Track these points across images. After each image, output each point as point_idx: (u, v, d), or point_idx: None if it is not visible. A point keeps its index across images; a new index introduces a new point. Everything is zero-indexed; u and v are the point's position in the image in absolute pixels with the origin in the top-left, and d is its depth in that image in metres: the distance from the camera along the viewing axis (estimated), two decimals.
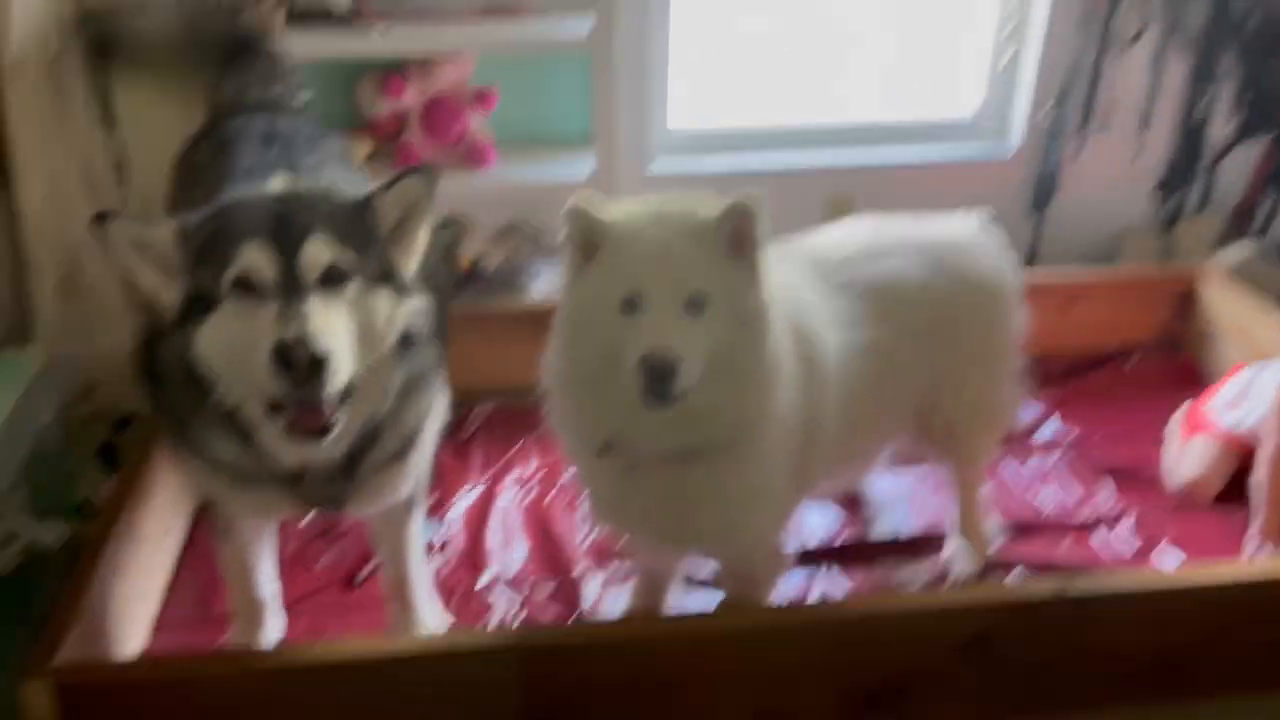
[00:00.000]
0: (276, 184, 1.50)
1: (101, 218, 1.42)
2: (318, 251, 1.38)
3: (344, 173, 1.85)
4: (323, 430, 1.38)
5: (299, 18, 2.48)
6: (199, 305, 1.40)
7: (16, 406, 1.99)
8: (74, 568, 1.76)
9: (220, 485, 1.59)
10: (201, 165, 1.81)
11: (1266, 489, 2.20)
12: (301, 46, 2.37)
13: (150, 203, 2.18)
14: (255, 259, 1.36)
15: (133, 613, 1.88)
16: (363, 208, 1.48)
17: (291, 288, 1.36)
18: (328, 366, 1.32)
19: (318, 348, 1.31)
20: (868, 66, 3.06)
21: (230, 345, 1.38)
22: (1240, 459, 2.34)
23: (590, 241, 1.48)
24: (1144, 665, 1.84)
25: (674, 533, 1.66)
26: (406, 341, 1.50)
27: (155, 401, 1.60)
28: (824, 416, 1.68)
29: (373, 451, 1.55)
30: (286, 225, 1.39)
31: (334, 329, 1.36)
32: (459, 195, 2.75)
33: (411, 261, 1.53)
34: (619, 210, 1.49)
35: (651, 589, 1.96)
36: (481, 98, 2.67)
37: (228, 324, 1.38)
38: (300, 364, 1.30)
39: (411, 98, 2.64)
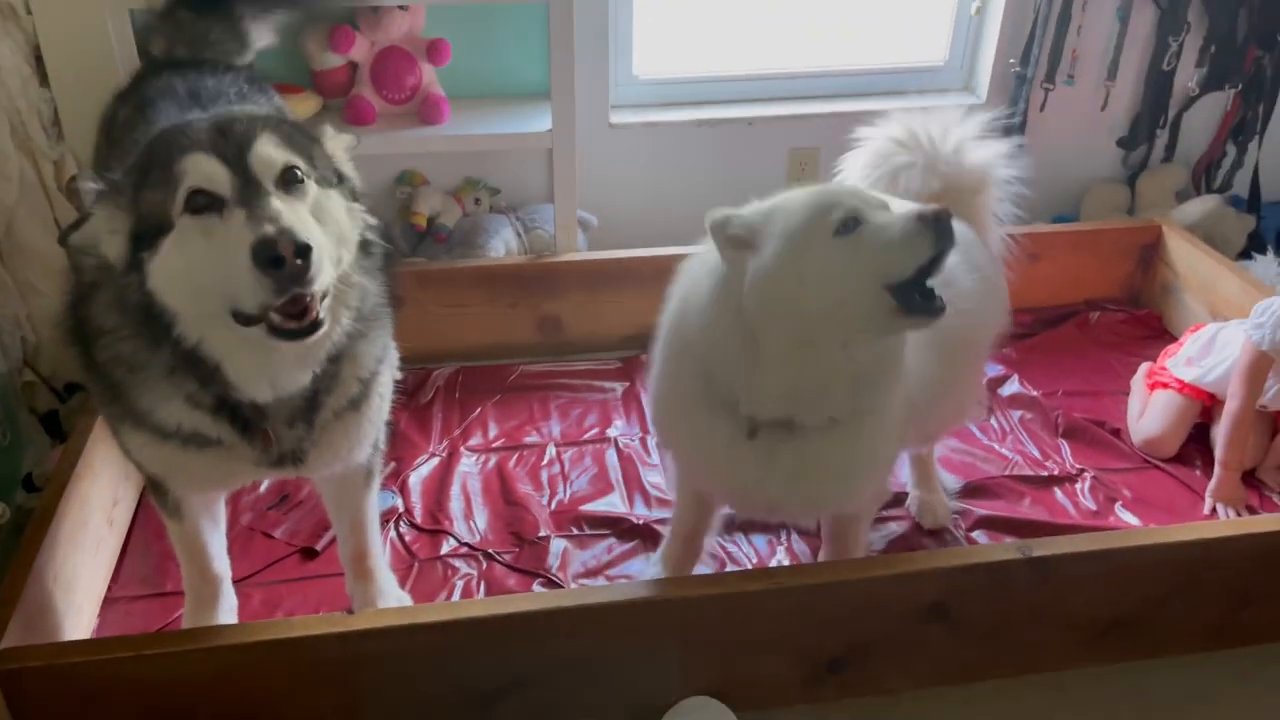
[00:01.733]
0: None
1: (62, 240, 1.36)
2: (270, 152, 1.30)
3: None
4: (313, 325, 1.30)
5: None
6: (148, 236, 1.30)
7: None
8: (18, 545, 1.71)
9: (169, 455, 1.49)
10: (123, 123, 1.73)
11: (1223, 449, 2.22)
12: None
13: (87, 161, 2.11)
14: (206, 169, 1.27)
15: (80, 590, 1.84)
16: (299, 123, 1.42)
17: (252, 191, 1.27)
18: (313, 254, 1.23)
19: (299, 237, 1.22)
20: (835, 13, 2.99)
21: (194, 266, 1.28)
22: (1200, 413, 2.36)
23: (744, 241, 1.47)
24: (1103, 625, 1.86)
25: (796, 497, 1.63)
26: (365, 248, 1.45)
27: (90, 369, 1.48)
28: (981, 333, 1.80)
29: (333, 393, 1.50)
30: (229, 134, 1.31)
31: (303, 218, 1.28)
32: (414, 151, 2.68)
33: (349, 169, 1.48)
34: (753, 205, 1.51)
35: (688, 539, 1.94)
36: (434, 50, 2.58)
37: (187, 245, 1.28)
38: (288, 254, 1.21)
39: (361, 51, 2.55)
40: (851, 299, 1.43)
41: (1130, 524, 2.16)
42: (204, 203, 1.27)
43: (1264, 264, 2.91)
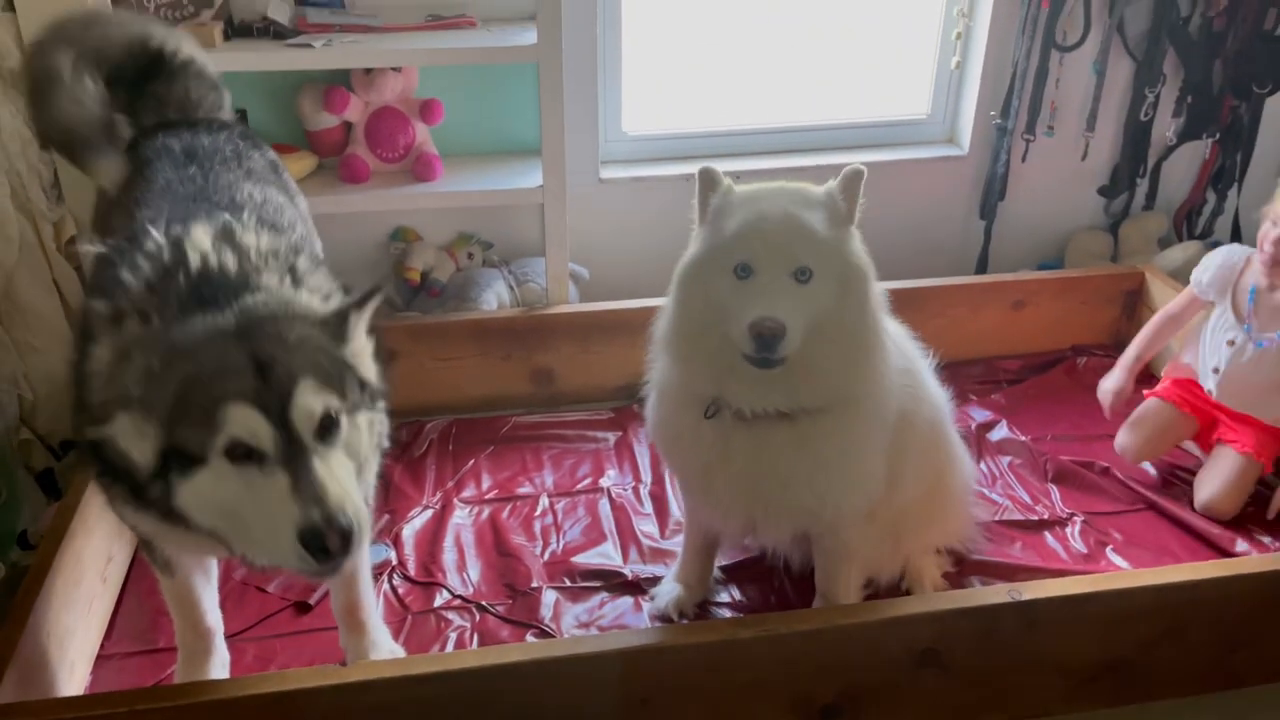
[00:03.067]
0: (227, 316, 1.35)
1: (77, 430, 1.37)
2: (310, 403, 1.31)
3: (266, 189, 1.81)
4: (336, 570, 1.34)
5: (238, 31, 2.46)
6: (180, 461, 1.30)
7: None
8: (13, 602, 1.71)
9: (160, 527, 1.49)
10: (121, 185, 1.76)
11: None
12: (241, 60, 2.34)
13: (85, 224, 2.14)
14: (247, 424, 1.27)
15: (74, 646, 1.84)
16: (331, 325, 1.41)
17: (293, 452, 1.28)
18: (356, 535, 1.28)
19: (347, 525, 1.26)
20: (821, 70, 3.07)
21: (230, 505, 1.31)
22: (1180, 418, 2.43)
23: (712, 204, 1.63)
24: (1095, 669, 1.86)
25: (768, 499, 1.73)
26: (379, 445, 1.49)
27: (87, 445, 1.46)
28: (917, 421, 1.82)
29: None
30: (269, 378, 1.29)
31: (344, 483, 1.31)
32: (407, 208, 2.73)
33: (370, 366, 1.48)
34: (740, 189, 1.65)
35: (697, 568, 2.04)
36: (427, 110, 2.64)
37: (224, 486, 1.30)
38: (335, 546, 1.26)
39: (355, 111, 2.61)
40: (719, 328, 1.60)
41: (1121, 567, 2.17)
42: (245, 454, 1.29)
43: None
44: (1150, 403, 2.47)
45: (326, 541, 1.26)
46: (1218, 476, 2.30)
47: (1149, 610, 1.81)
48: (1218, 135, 3.08)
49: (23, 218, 2.18)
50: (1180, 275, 2.99)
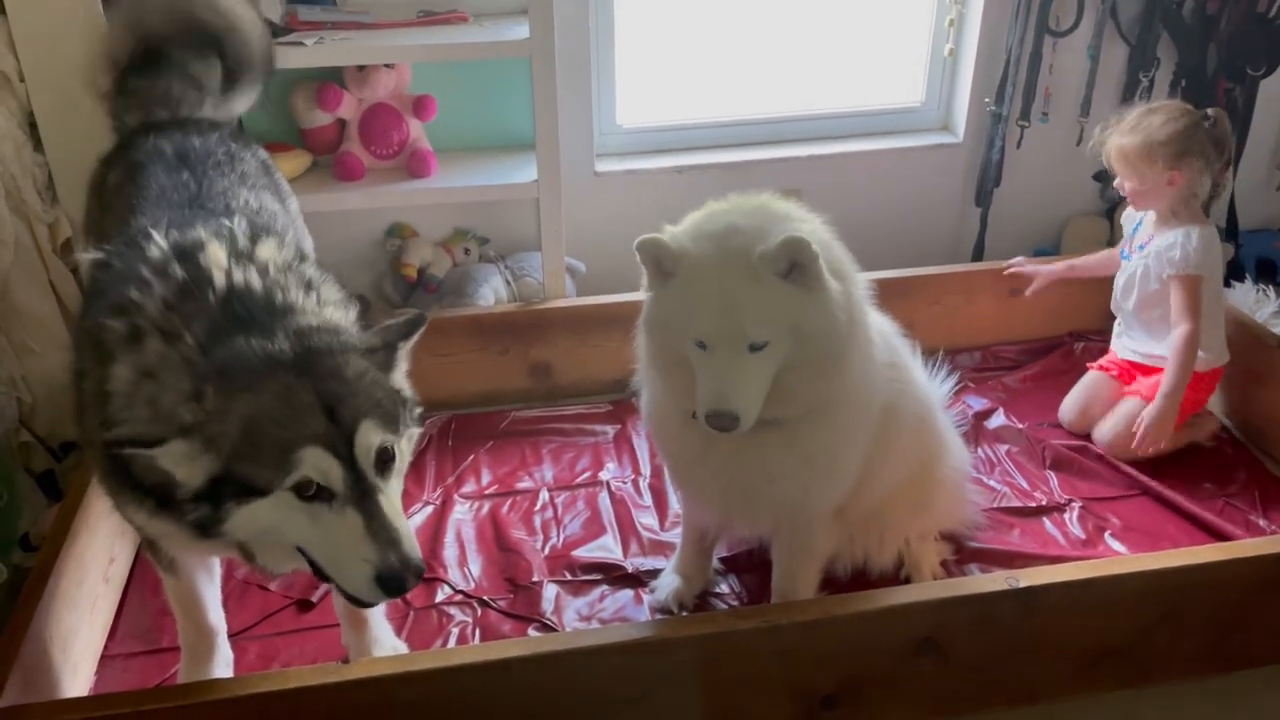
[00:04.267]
0: (280, 343, 1.36)
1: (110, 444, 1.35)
2: (371, 440, 1.35)
3: (261, 195, 1.82)
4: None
5: None
6: (237, 490, 1.32)
7: None
8: (15, 604, 1.72)
9: (166, 528, 1.49)
10: (113, 187, 1.76)
11: (1175, 373, 2.37)
12: None
13: (80, 224, 2.14)
14: (321, 465, 1.31)
15: (78, 647, 1.85)
16: (379, 355, 1.44)
17: (360, 488, 1.34)
18: (422, 572, 1.36)
19: (420, 565, 1.35)
20: (814, 59, 3.06)
21: (293, 535, 1.36)
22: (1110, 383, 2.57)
23: (663, 269, 1.60)
24: (1094, 655, 1.87)
25: (749, 495, 1.76)
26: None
27: (93, 444, 1.48)
28: (902, 414, 1.83)
29: None
30: (337, 419, 1.33)
31: (403, 518, 1.38)
32: (403, 204, 2.73)
33: (406, 383, 1.51)
34: (688, 232, 1.62)
35: (695, 559, 2.05)
36: (420, 106, 2.64)
37: (288, 518, 1.34)
38: (410, 587, 1.35)
39: (349, 108, 2.61)
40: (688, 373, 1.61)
41: (1119, 552, 2.18)
42: (314, 492, 1.33)
43: (1242, 291, 2.96)
44: (1089, 374, 2.62)
45: (405, 584, 1.34)
46: (1112, 417, 2.48)
47: (1146, 595, 1.82)
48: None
49: (18, 220, 2.18)
50: None
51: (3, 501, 2.10)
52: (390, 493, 1.38)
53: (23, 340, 2.21)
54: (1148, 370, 2.50)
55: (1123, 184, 2.45)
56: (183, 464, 1.32)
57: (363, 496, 1.34)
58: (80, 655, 1.86)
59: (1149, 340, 2.51)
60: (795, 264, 1.54)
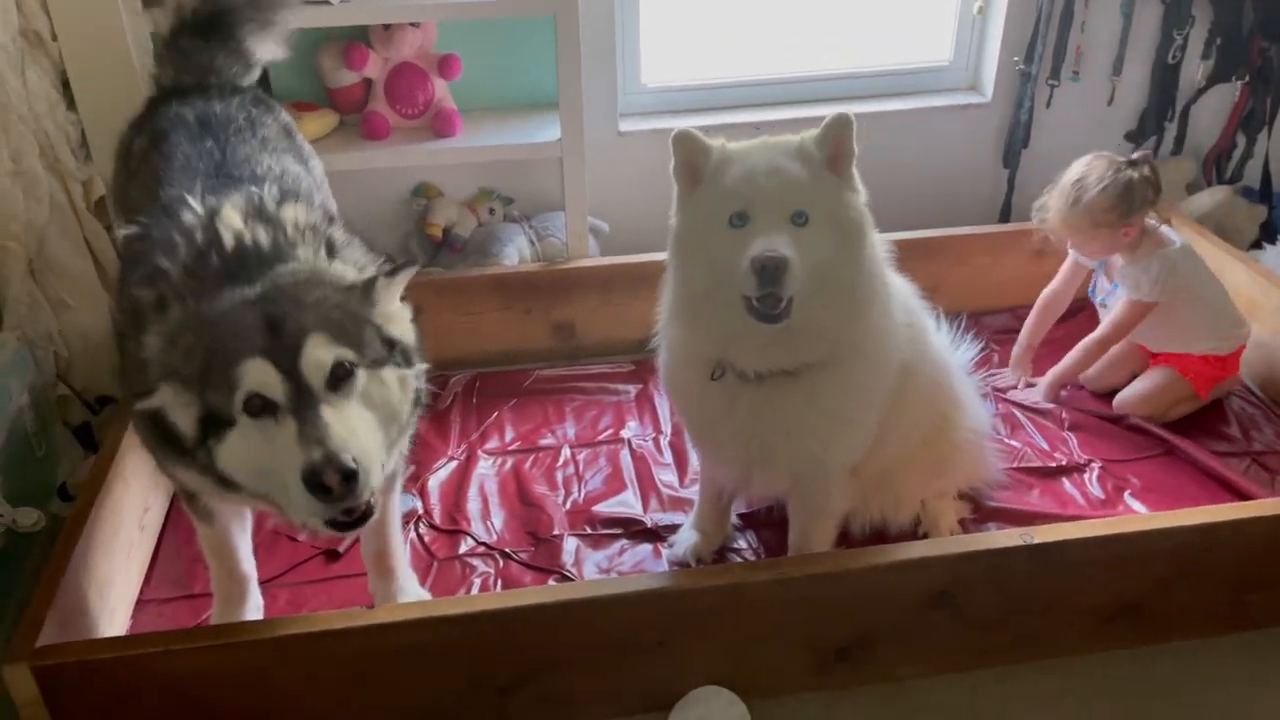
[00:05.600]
0: (255, 287, 1.42)
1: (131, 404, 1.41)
2: (319, 355, 1.35)
3: (281, 158, 1.85)
4: (362, 517, 1.39)
5: None
6: (215, 425, 1.38)
7: None
8: (53, 550, 1.78)
9: (199, 481, 1.56)
10: (139, 153, 1.80)
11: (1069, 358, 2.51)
12: None
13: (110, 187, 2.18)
14: (260, 376, 1.33)
15: (114, 593, 1.91)
16: (352, 292, 1.45)
17: (302, 399, 1.34)
18: (359, 478, 1.32)
19: (346, 464, 1.30)
20: (841, 17, 3.04)
21: (254, 462, 1.38)
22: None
23: (696, 167, 1.62)
24: (1108, 611, 1.88)
25: (767, 451, 1.77)
26: (417, 402, 1.54)
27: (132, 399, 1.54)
28: (919, 375, 1.84)
29: None
30: (280, 333, 1.35)
31: (354, 429, 1.35)
32: (428, 164, 2.75)
33: (406, 329, 1.53)
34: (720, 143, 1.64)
35: (713, 515, 2.08)
36: (446, 65, 2.65)
37: (249, 442, 1.37)
38: (334, 484, 1.30)
39: (375, 67, 2.62)
40: (723, 283, 1.60)
41: (1138, 512, 2.18)
42: (260, 406, 1.35)
43: (1274, 254, 2.92)
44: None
45: (325, 479, 1.29)
46: (1139, 383, 2.50)
47: (1161, 552, 1.83)
48: (1247, 78, 3.02)
49: (52, 177, 2.22)
50: (1208, 221, 2.96)
51: (41, 453, 2.16)
52: (343, 409, 1.36)
53: (59, 296, 2.27)
54: (1167, 357, 2.51)
55: (1078, 249, 2.52)
56: (179, 412, 1.39)
57: (304, 407, 1.33)
58: (116, 600, 1.92)
59: (1156, 341, 2.52)
60: (837, 152, 1.59)
